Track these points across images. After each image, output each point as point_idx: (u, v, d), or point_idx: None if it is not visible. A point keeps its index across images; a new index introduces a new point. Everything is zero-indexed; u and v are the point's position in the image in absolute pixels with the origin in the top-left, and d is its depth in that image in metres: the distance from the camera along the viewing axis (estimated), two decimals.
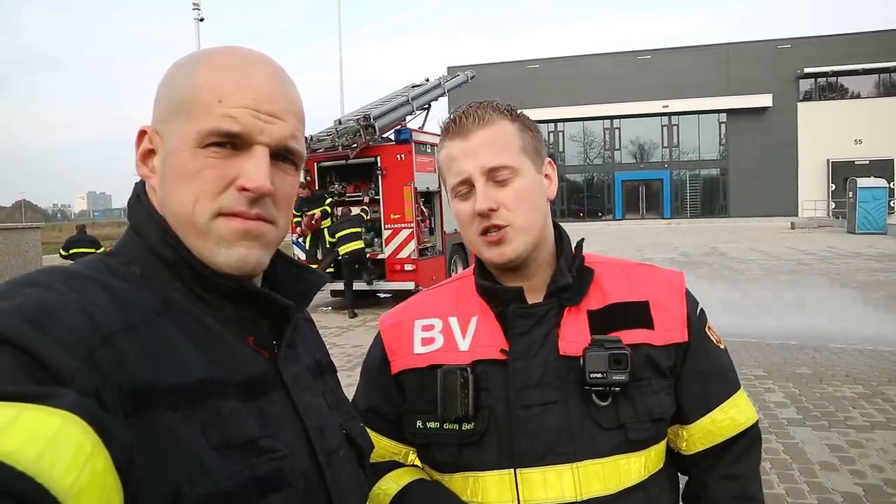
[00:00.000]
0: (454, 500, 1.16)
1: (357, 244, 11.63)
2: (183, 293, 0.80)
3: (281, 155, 0.84)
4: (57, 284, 0.68)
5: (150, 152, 0.85)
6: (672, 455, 1.27)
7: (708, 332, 1.27)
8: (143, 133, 0.85)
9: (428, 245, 12.95)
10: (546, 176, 1.24)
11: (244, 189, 0.79)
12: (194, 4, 25.42)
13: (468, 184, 1.17)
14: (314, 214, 11.31)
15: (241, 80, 0.80)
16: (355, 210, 12.41)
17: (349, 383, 6.20)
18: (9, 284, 0.68)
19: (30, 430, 0.51)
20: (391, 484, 1.23)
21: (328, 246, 12.25)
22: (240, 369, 0.79)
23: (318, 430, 0.86)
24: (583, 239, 1.31)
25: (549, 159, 1.25)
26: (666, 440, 1.23)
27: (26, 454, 0.50)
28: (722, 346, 1.29)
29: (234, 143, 0.79)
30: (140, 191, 0.87)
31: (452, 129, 1.19)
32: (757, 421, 1.29)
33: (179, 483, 0.66)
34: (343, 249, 11.57)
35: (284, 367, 0.86)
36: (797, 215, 38.94)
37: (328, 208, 12.15)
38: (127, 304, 0.72)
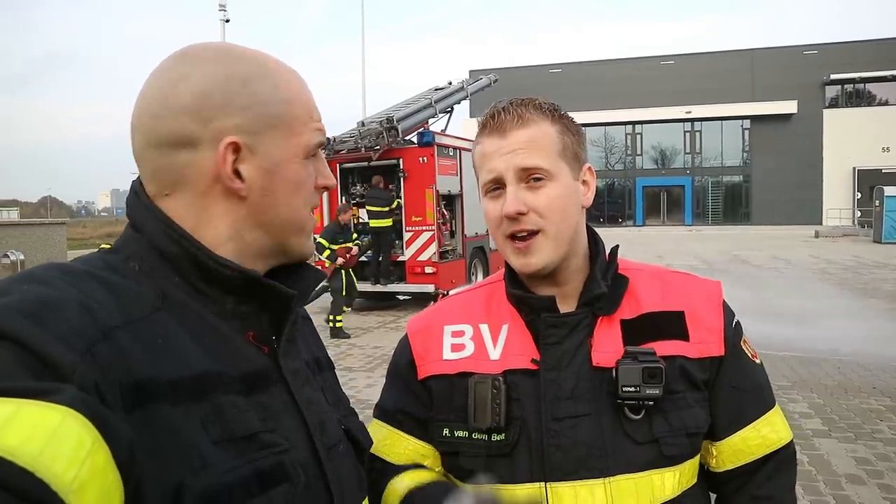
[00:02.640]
0: (465, 496, 1.06)
1: (383, 222, 12.06)
2: (183, 288, 0.80)
3: None
4: (56, 280, 0.68)
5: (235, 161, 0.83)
6: (703, 472, 1.23)
7: (743, 346, 1.23)
8: (233, 145, 0.81)
9: (448, 248, 12.95)
10: (584, 182, 1.19)
11: (325, 188, 0.92)
12: (220, 6, 25.69)
13: (499, 183, 1.13)
14: (350, 248, 10.50)
15: (310, 95, 0.90)
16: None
17: (368, 384, 6.30)
18: (8, 280, 0.68)
19: (30, 426, 0.52)
20: (407, 481, 1.18)
21: (360, 223, 12.70)
22: (240, 364, 0.79)
23: (317, 425, 0.87)
24: (617, 245, 1.27)
25: (588, 165, 1.20)
26: (699, 455, 1.18)
27: (27, 450, 0.50)
28: (758, 361, 1.25)
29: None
30: (137, 187, 0.86)
31: (490, 124, 1.15)
32: (791, 441, 1.23)
33: (181, 477, 0.66)
34: (372, 223, 12.24)
35: (284, 361, 0.87)
36: (821, 224, 38.34)
37: (361, 242, 11.57)
38: (126, 300, 0.72)
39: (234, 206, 0.83)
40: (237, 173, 0.81)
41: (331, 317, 10.10)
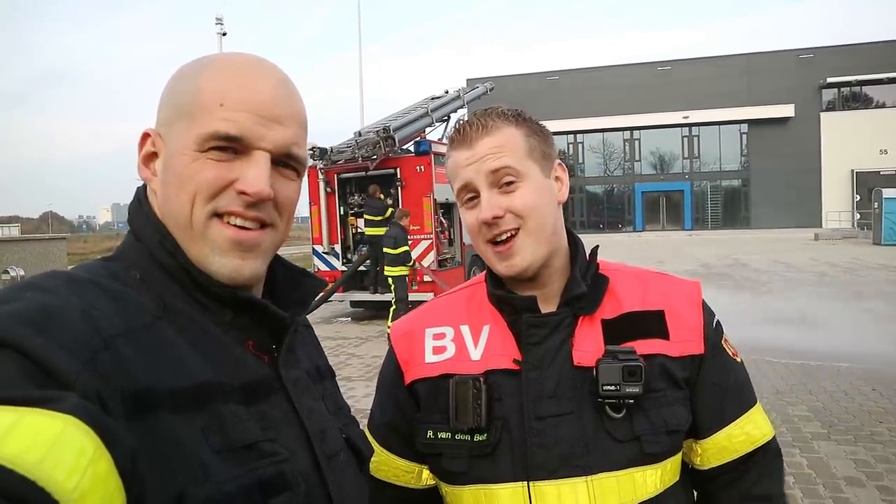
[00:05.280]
0: None
1: (378, 230, 11.91)
2: (183, 298, 0.80)
3: (282, 161, 0.84)
4: (59, 288, 0.68)
5: (153, 155, 0.85)
6: (686, 470, 1.24)
7: (724, 345, 1.24)
8: (146, 136, 0.85)
9: (447, 256, 12.98)
10: (556, 179, 1.21)
11: (243, 193, 0.79)
12: (217, 20, 25.83)
13: (473, 191, 1.15)
14: None
15: (244, 85, 0.80)
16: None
17: (367, 393, 6.29)
18: (11, 288, 0.68)
19: (32, 435, 0.51)
20: None
21: (358, 233, 13.08)
22: (240, 373, 0.79)
23: (318, 434, 0.87)
24: (597, 246, 1.28)
25: (558, 161, 1.22)
26: (681, 453, 1.20)
27: (28, 458, 0.50)
28: (738, 360, 1.26)
29: (235, 147, 0.80)
30: (141, 195, 0.87)
31: (457, 138, 1.18)
32: (774, 437, 1.26)
33: (182, 486, 0.66)
34: (367, 232, 12.31)
35: (284, 370, 0.87)
36: (821, 227, 38.33)
37: None
38: (128, 308, 0.72)
39: (155, 200, 0.86)
40: (151, 167, 0.85)
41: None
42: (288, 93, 0.85)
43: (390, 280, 10.47)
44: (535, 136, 1.19)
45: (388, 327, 10.34)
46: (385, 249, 10.50)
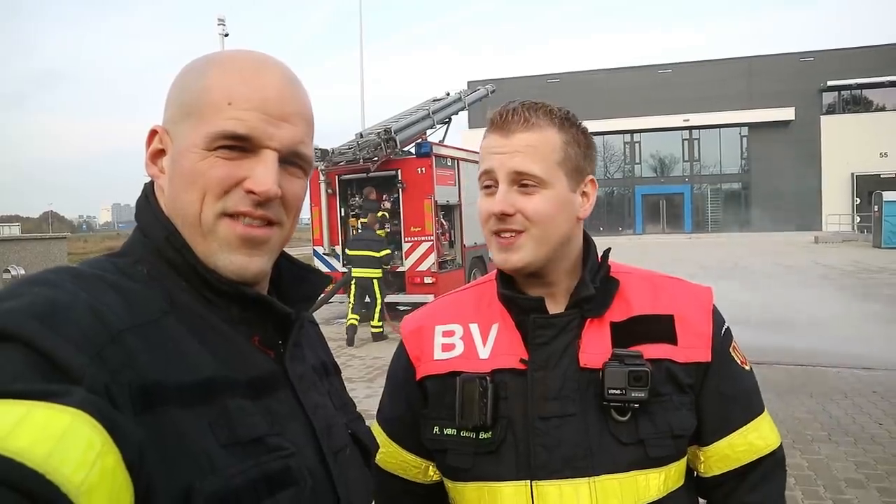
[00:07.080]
0: None
1: (369, 272, 10.48)
2: (189, 293, 0.81)
3: (290, 160, 0.84)
4: (65, 283, 0.69)
5: (160, 152, 0.85)
6: (691, 476, 1.24)
7: (732, 353, 1.23)
8: (153, 133, 0.85)
9: (448, 258, 12.96)
10: (583, 194, 1.19)
11: (251, 192, 0.80)
12: (219, 20, 25.86)
13: (493, 179, 1.15)
14: None
15: (251, 83, 0.80)
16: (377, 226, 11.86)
17: (369, 394, 6.32)
18: (18, 283, 0.68)
19: (40, 428, 0.52)
20: None
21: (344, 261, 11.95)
22: (247, 368, 0.80)
23: (324, 429, 0.87)
24: (609, 248, 1.28)
25: (591, 177, 1.20)
26: (686, 459, 1.19)
27: (37, 452, 0.50)
28: (747, 367, 1.26)
29: (243, 146, 0.80)
30: (148, 191, 0.87)
31: (496, 122, 1.15)
32: (780, 447, 1.25)
33: (190, 480, 0.66)
34: (355, 273, 10.65)
35: (290, 366, 0.87)
36: (821, 230, 38.29)
37: None
38: (135, 303, 0.72)
39: (162, 197, 0.86)
40: (158, 164, 0.85)
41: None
42: (295, 91, 0.86)
43: (375, 282, 10.45)
44: (574, 146, 1.16)
45: (372, 327, 10.47)
46: (369, 253, 10.42)
